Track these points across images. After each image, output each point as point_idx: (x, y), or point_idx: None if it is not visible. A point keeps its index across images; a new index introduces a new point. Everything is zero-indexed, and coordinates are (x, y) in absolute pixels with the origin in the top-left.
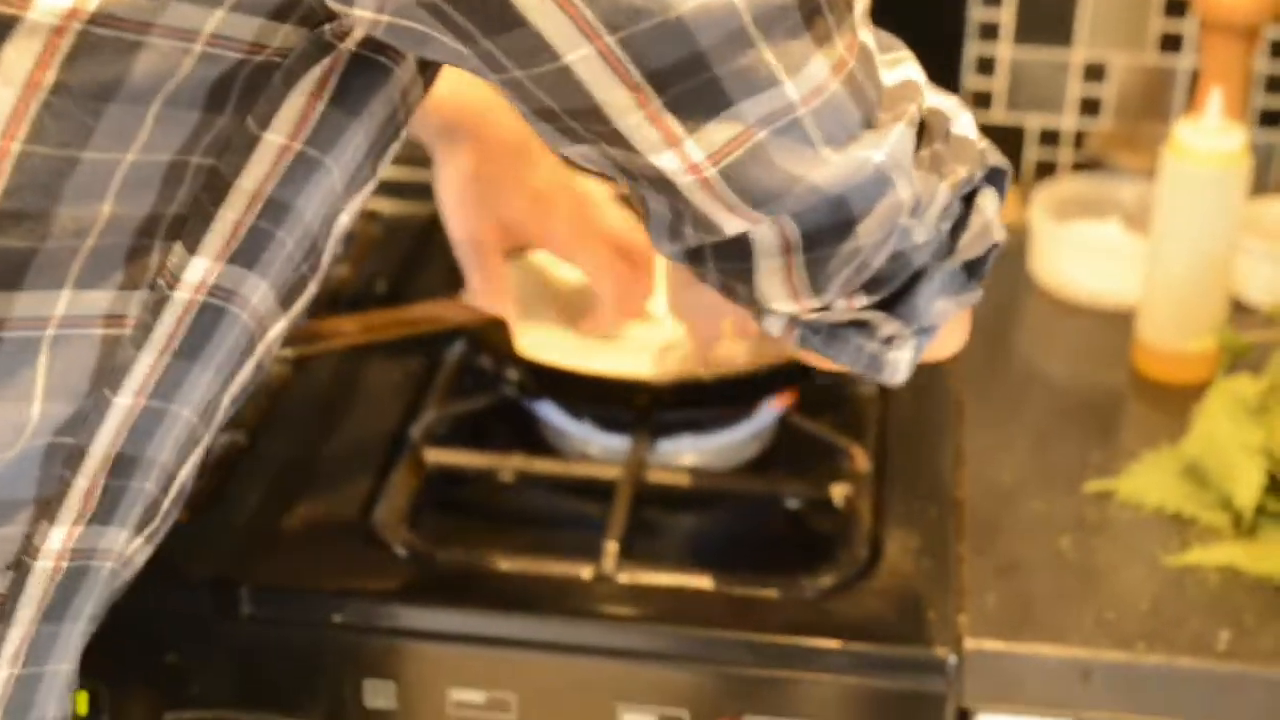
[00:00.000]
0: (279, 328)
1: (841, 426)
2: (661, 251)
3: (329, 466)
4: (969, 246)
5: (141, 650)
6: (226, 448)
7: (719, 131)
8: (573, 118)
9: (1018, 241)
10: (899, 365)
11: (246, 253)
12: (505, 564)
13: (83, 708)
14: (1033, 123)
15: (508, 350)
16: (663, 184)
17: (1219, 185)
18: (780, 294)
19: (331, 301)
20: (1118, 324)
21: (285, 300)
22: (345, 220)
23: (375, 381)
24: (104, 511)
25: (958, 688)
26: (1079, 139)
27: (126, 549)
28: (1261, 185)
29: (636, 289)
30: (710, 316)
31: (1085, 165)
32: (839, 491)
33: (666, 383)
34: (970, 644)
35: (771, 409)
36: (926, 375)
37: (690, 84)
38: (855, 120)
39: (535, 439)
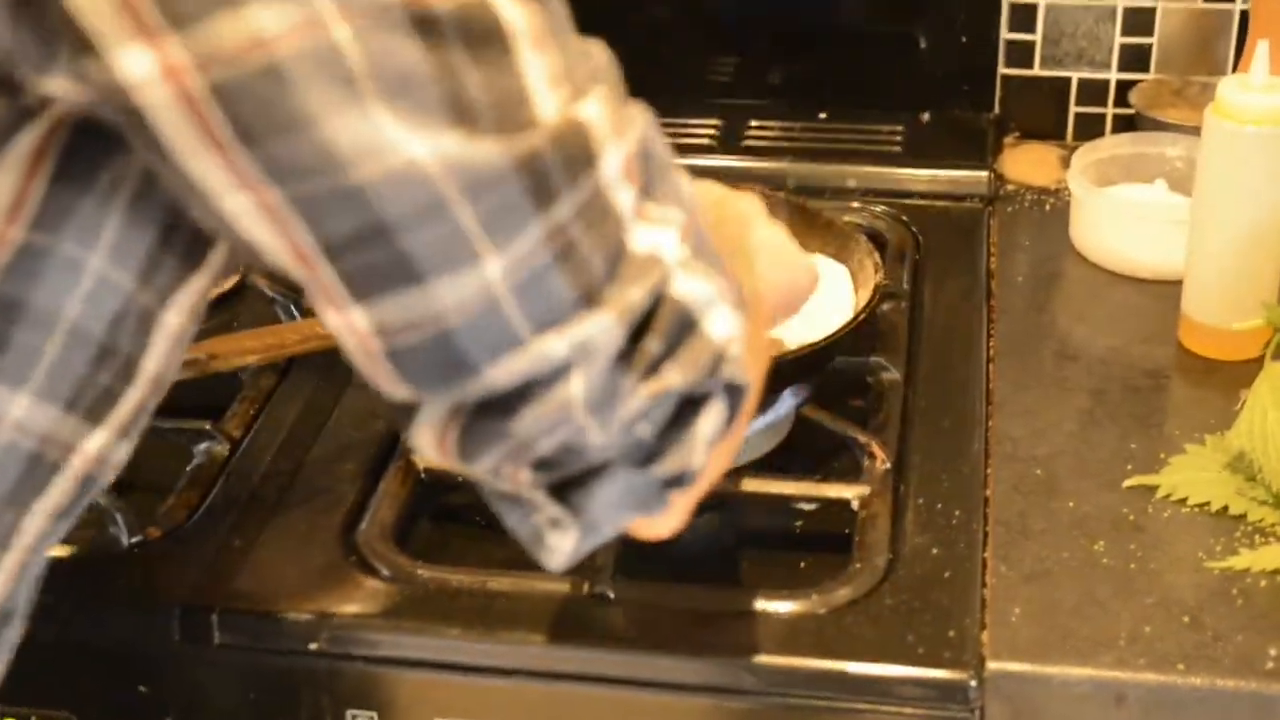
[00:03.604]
0: (98, 441)
1: (861, 419)
2: None
3: (313, 476)
4: (668, 463)
5: (110, 680)
6: (205, 458)
7: (394, 309)
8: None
9: (1060, 206)
10: (559, 551)
11: None
12: (494, 582)
13: None
14: (1074, 75)
15: None
16: None
17: (1267, 147)
18: (431, 448)
19: None
20: (1164, 296)
21: (90, 413)
22: (174, 321)
23: None
24: None
25: (979, 713)
26: (1121, 92)
27: None
28: None
29: None
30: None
31: (1130, 122)
32: (855, 492)
33: None
34: (993, 665)
35: (789, 400)
36: (957, 355)
37: (371, 255)
38: (567, 301)
39: None
